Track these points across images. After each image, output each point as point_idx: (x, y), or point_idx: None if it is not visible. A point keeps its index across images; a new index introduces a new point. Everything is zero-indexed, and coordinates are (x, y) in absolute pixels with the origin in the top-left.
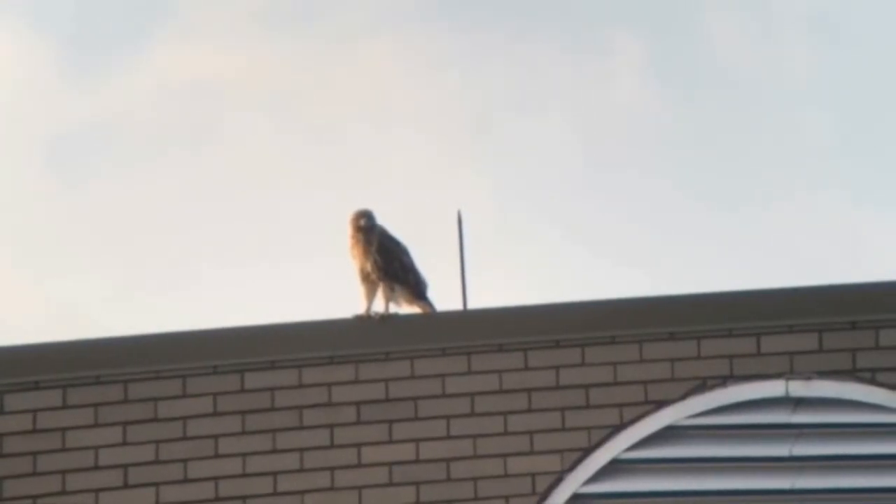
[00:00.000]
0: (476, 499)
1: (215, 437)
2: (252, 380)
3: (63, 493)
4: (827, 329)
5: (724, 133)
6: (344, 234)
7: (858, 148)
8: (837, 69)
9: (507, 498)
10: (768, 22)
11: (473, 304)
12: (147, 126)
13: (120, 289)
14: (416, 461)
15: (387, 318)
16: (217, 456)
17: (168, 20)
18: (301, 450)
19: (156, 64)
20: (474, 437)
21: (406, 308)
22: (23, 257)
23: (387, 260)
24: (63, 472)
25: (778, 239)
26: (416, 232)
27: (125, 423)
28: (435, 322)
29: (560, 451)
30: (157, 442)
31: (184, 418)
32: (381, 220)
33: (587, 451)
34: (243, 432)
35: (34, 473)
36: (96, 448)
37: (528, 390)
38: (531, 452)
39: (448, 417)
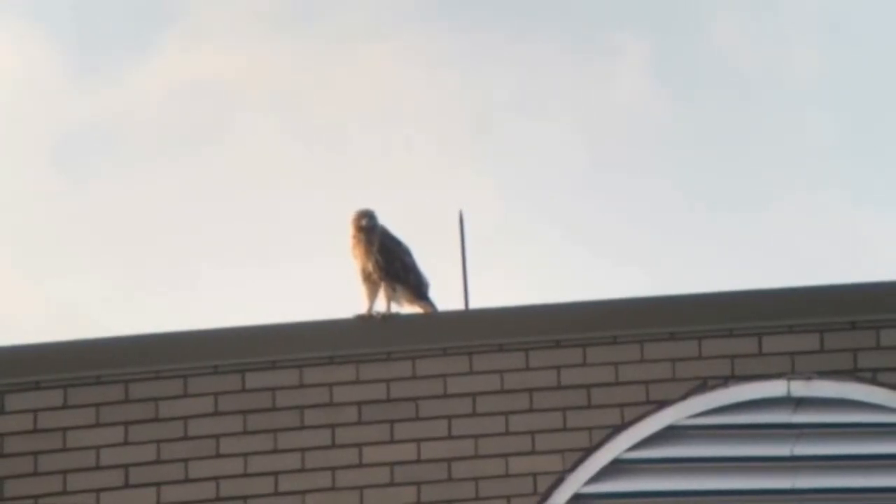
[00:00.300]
0: (477, 499)
1: (216, 436)
2: (253, 380)
3: (64, 493)
4: (828, 329)
5: (726, 133)
6: (345, 234)
7: (860, 148)
8: (840, 70)
9: (508, 498)
10: (771, 23)
11: (475, 303)
12: (150, 126)
13: (121, 289)
14: (418, 461)
15: (388, 318)
16: (218, 456)
17: (172, 21)
18: (302, 450)
19: (159, 65)
20: (475, 437)
21: (407, 308)
22: (25, 257)
23: (388, 260)
24: (64, 472)
25: (779, 239)
26: (418, 232)
27: (126, 423)
28: (436, 322)
29: (561, 451)
30: (159, 442)
31: (185, 418)
32: (383, 219)
33: (588, 451)
34: (244, 432)
35: (35, 473)
36: (97, 448)
37: (530, 390)
38: (532, 452)
39: (449, 417)
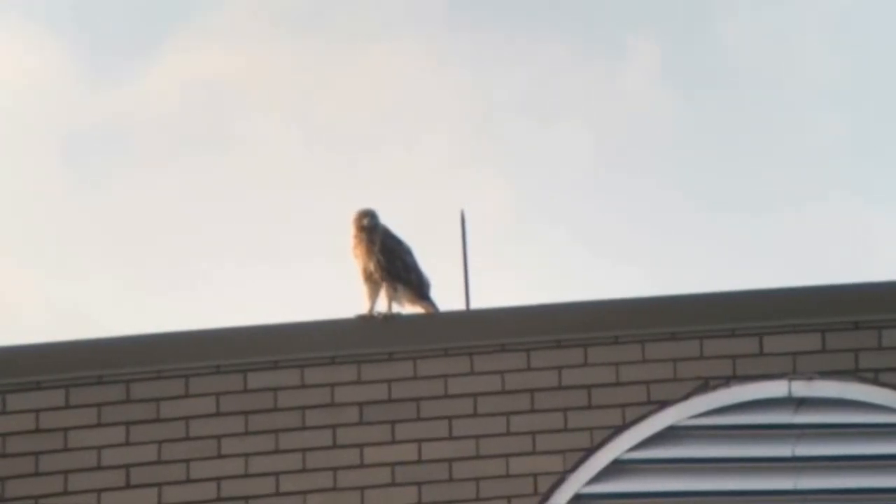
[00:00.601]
0: (478, 499)
1: (218, 437)
2: (255, 380)
3: (65, 493)
4: (830, 329)
5: (733, 133)
6: (347, 234)
7: (869, 148)
8: (848, 70)
9: (509, 498)
10: (780, 23)
11: (476, 304)
12: (158, 127)
13: (127, 289)
14: (419, 461)
15: (389, 318)
16: (219, 456)
17: (179, 23)
18: (303, 450)
19: (167, 66)
20: (477, 437)
21: (409, 308)
22: (33, 257)
23: (390, 260)
24: (65, 473)
25: (788, 240)
26: (422, 232)
27: (127, 423)
28: (437, 322)
29: (562, 452)
30: (160, 442)
31: (186, 418)
32: (386, 219)
33: (589, 452)
34: (246, 432)
35: (36, 473)
36: (98, 448)
37: (531, 391)
38: (533, 453)
39: (450, 418)
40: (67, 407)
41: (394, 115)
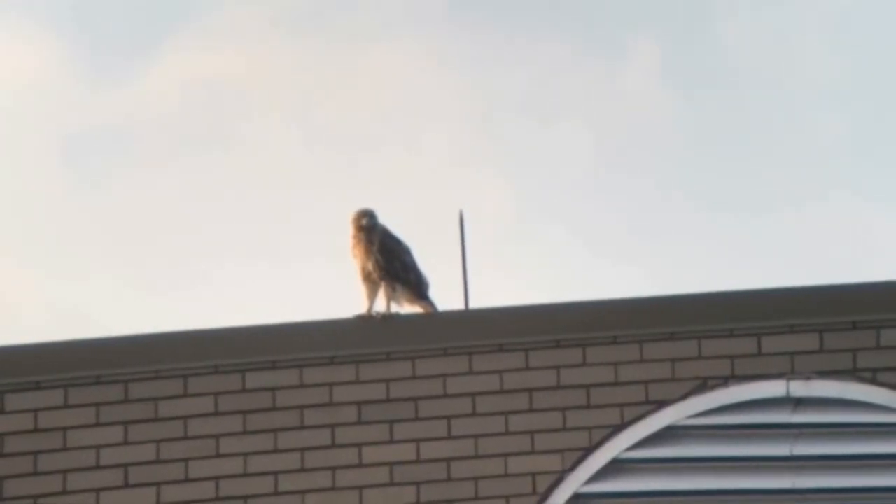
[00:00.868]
0: (477, 499)
1: (216, 436)
2: (253, 379)
3: (64, 492)
4: (828, 329)
5: (735, 134)
6: (346, 234)
7: (869, 148)
8: (848, 69)
9: (507, 498)
10: (780, 23)
11: (475, 303)
12: (159, 127)
13: (127, 289)
14: (417, 461)
15: (388, 318)
16: (218, 456)
17: (180, 23)
18: (302, 450)
19: (168, 66)
20: (475, 437)
21: (407, 308)
22: (34, 257)
23: (388, 259)
24: (64, 472)
25: (790, 241)
26: (424, 232)
27: (126, 423)
28: (436, 322)
29: (561, 451)
30: (158, 441)
31: (185, 418)
32: (387, 219)
33: (588, 451)
34: (244, 432)
35: (35, 473)
36: (97, 448)
37: (529, 390)
38: (532, 452)
39: (449, 417)
40: (66, 406)
41: (394, 114)
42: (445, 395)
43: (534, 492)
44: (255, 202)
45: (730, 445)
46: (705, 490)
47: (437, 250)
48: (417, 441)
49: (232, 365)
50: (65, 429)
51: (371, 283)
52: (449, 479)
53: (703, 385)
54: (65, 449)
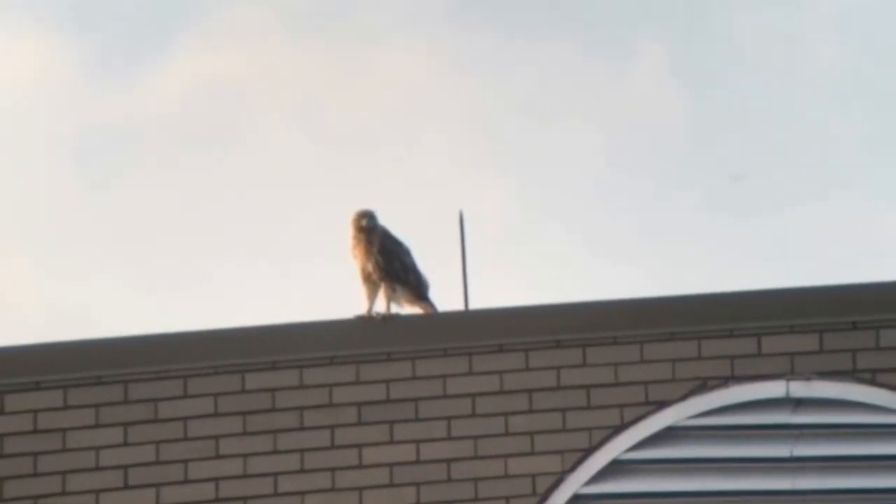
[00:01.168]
0: (476, 499)
1: (216, 437)
2: (253, 380)
3: (63, 493)
4: (828, 329)
5: (742, 134)
6: (346, 234)
7: (881, 147)
8: (858, 67)
9: (507, 499)
10: (790, 21)
11: (475, 304)
12: (169, 127)
13: (128, 290)
14: (417, 462)
15: (388, 319)
16: (218, 457)
17: (190, 23)
18: (302, 451)
19: (178, 66)
20: (475, 437)
21: (407, 308)
22: (34, 257)
23: (388, 260)
24: (64, 473)
25: (792, 241)
26: (425, 233)
27: (126, 424)
28: (436, 323)
29: (561, 452)
30: (158, 442)
31: (184, 419)
32: (387, 220)
33: (588, 452)
34: (244, 433)
35: (35, 474)
36: (97, 449)
37: (529, 391)
38: (532, 453)
39: (449, 418)
40: (66, 407)
41: (397, 115)
42: (445, 396)
43: (534, 493)
44: (255, 202)
45: (730, 446)
46: (705, 491)
47: (437, 251)
48: (417, 442)
49: (232, 366)
50: (64, 430)
51: (371, 283)
52: (449, 480)
53: (703, 385)
54: (64, 450)
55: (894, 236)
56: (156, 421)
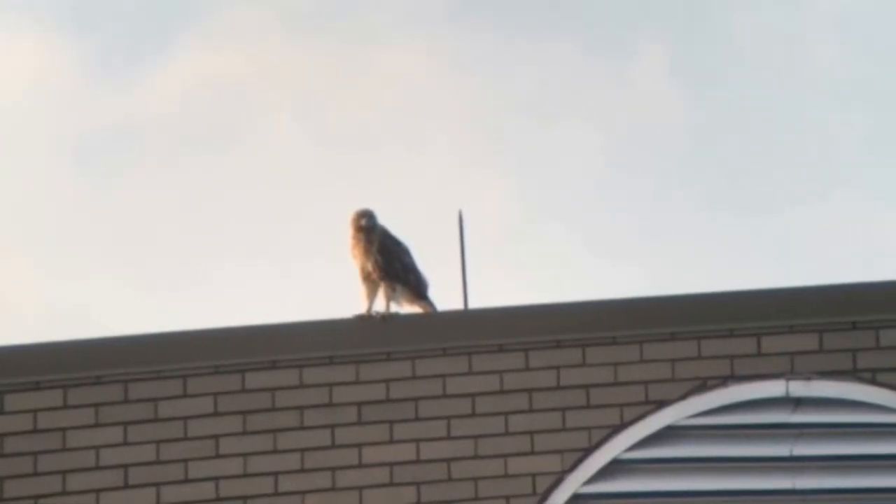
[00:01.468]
0: (476, 499)
1: (216, 437)
2: (253, 380)
3: (63, 493)
4: (827, 329)
5: (743, 134)
6: (346, 234)
7: (881, 147)
8: (859, 68)
9: (507, 498)
10: (790, 21)
11: (474, 303)
12: (167, 128)
13: (128, 290)
14: (417, 461)
15: (388, 318)
16: (218, 456)
17: (190, 23)
18: (302, 450)
19: (178, 66)
20: (475, 437)
21: (407, 308)
22: (35, 257)
23: (388, 260)
24: (64, 473)
25: (792, 240)
26: (426, 232)
27: (126, 423)
28: (436, 322)
29: (560, 452)
30: (158, 442)
31: (184, 418)
32: (389, 219)
33: (588, 452)
34: (244, 432)
35: (35, 474)
36: (97, 448)
37: (529, 390)
38: (532, 453)
39: (449, 418)
40: (66, 407)
41: (398, 115)
42: (445, 396)
43: (533, 492)
44: (255, 202)
45: (730, 446)
46: (705, 490)
47: (437, 251)
48: (417, 441)
49: (232, 365)
50: (64, 429)
51: (371, 283)
52: (449, 480)
53: (703, 385)
54: (64, 449)
55: (894, 236)
56: (156, 420)
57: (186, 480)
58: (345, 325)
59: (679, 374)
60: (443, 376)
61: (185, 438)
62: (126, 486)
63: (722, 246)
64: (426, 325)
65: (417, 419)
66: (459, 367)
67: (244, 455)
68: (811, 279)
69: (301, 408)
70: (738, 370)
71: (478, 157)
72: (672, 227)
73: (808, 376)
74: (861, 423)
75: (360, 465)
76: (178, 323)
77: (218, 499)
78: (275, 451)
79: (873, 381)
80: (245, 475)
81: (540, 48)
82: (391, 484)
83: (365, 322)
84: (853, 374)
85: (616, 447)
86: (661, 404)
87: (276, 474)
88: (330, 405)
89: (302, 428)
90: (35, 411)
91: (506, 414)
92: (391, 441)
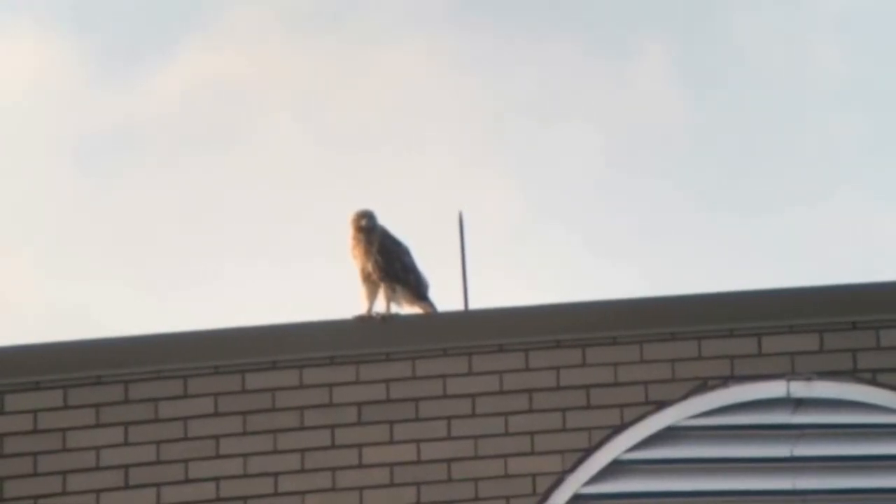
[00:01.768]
0: (477, 499)
1: (216, 437)
2: (253, 380)
3: (64, 493)
4: (828, 329)
5: (745, 134)
6: (346, 234)
7: (880, 149)
8: (861, 69)
9: (507, 498)
10: (792, 22)
11: (474, 304)
12: (166, 129)
13: (128, 290)
14: (417, 462)
15: (388, 319)
16: (218, 456)
17: (192, 24)
18: (302, 450)
19: (180, 67)
20: (475, 437)
21: (407, 308)
22: (35, 257)
23: (388, 260)
24: (64, 473)
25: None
26: (426, 232)
27: (126, 424)
28: (436, 322)
29: (561, 452)
30: (158, 442)
31: (185, 419)
32: (390, 220)
33: (588, 452)
34: (244, 433)
35: (35, 474)
36: (97, 448)
37: (529, 391)
38: (532, 453)
39: (449, 418)
40: (66, 407)
41: (400, 115)
42: (445, 396)
43: (534, 493)
44: (256, 202)
45: (730, 446)
46: (706, 491)
47: (437, 251)
48: (417, 442)
49: (232, 365)
50: (64, 429)
51: (371, 283)
52: (449, 480)
53: (704, 385)
54: (65, 450)
55: (894, 236)
56: (156, 421)
57: (187, 481)
58: (345, 326)
59: (679, 374)
60: (443, 377)
61: (186, 439)
62: (126, 487)
63: (722, 246)
64: (426, 326)
65: (417, 419)
66: (459, 367)
67: (244, 455)
68: (811, 279)
69: (301, 408)
70: (739, 370)
71: (478, 158)
72: (672, 227)
73: (808, 377)
74: (861, 423)
75: (361, 466)
76: (178, 323)
77: (218, 499)
78: (275, 452)
79: (873, 382)
80: (245, 475)
81: (540, 48)
82: (391, 484)
83: (365, 322)
84: (853, 375)
85: (616, 448)
86: (661, 405)
87: (276, 474)
88: (330, 405)
89: (302, 428)
90: (35, 411)
91: (506, 414)
92: (391, 441)
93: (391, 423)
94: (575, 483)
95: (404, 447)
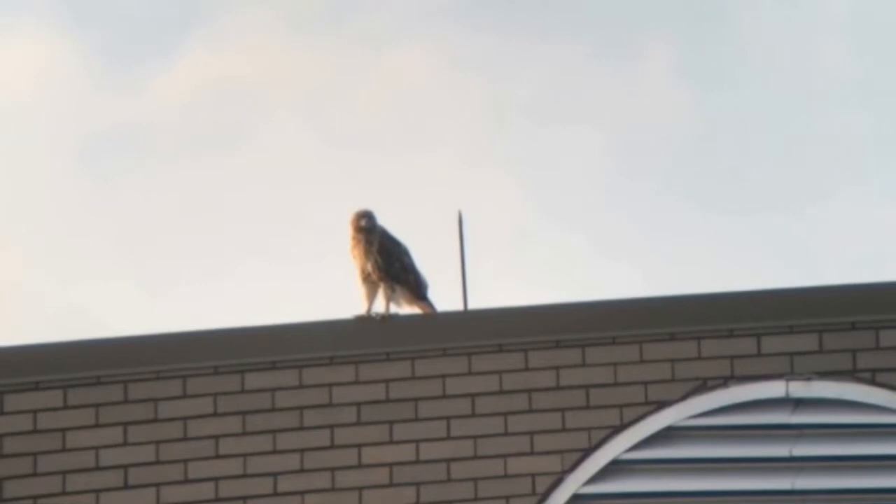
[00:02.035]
0: (476, 499)
1: (216, 437)
2: (252, 380)
3: (63, 493)
4: (827, 329)
5: (748, 134)
6: (346, 234)
7: (888, 149)
8: (867, 69)
9: (507, 498)
10: (800, 24)
11: (474, 304)
12: (175, 129)
13: (128, 290)
14: (417, 462)
15: (387, 319)
16: (217, 456)
17: (196, 24)
18: (301, 450)
19: (184, 67)
20: (475, 437)
21: (407, 308)
22: (35, 257)
23: (387, 260)
24: (63, 473)
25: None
26: (428, 232)
27: (126, 424)
28: (435, 322)
29: (560, 452)
30: (158, 442)
31: (184, 419)
32: (392, 220)
33: (587, 452)
34: (244, 433)
35: (34, 474)
36: (97, 448)
37: (529, 391)
38: (531, 453)
39: (448, 418)
40: (65, 407)
41: (404, 116)
42: (445, 396)
43: (533, 492)
44: (257, 202)
45: (730, 446)
46: (705, 491)
47: (437, 251)
48: (417, 442)
49: (231, 366)
50: (64, 429)
51: (370, 283)
52: (448, 480)
53: (703, 386)
54: (64, 450)
55: (894, 236)
56: (156, 421)
57: (186, 481)
58: (345, 326)
59: (679, 374)
60: (442, 376)
61: (185, 439)
62: (126, 487)
63: (722, 246)
64: (426, 326)
65: (417, 419)
66: (459, 367)
67: (244, 455)
68: (811, 279)
69: (301, 408)
70: (738, 370)
71: (479, 157)
72: (672, 227)
73: (808, 377)
74: (861, 423)
75: (360, 466)
76: (178, 323)
77: (218, 499)
78: (274, 452)
79: (873, 382)
80: (245, 475)
81: (543, 48)
82: (391, 484)
83: (365, 323)
84: (853, 375)
85: (616, 448)
86: (661, 405)
87: (275, 475)
88: (330, 405)
89: (301, 428)
90: (35, 411)
91: (505, 414)
92: (391, 441)
93: (391, 423)
94: (574, 483)
95: (404, 447)
